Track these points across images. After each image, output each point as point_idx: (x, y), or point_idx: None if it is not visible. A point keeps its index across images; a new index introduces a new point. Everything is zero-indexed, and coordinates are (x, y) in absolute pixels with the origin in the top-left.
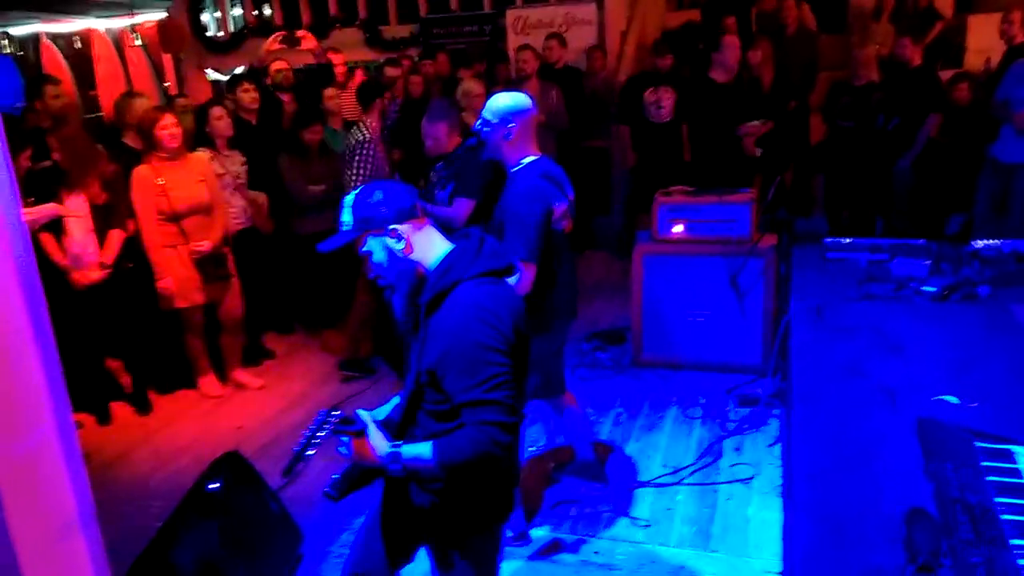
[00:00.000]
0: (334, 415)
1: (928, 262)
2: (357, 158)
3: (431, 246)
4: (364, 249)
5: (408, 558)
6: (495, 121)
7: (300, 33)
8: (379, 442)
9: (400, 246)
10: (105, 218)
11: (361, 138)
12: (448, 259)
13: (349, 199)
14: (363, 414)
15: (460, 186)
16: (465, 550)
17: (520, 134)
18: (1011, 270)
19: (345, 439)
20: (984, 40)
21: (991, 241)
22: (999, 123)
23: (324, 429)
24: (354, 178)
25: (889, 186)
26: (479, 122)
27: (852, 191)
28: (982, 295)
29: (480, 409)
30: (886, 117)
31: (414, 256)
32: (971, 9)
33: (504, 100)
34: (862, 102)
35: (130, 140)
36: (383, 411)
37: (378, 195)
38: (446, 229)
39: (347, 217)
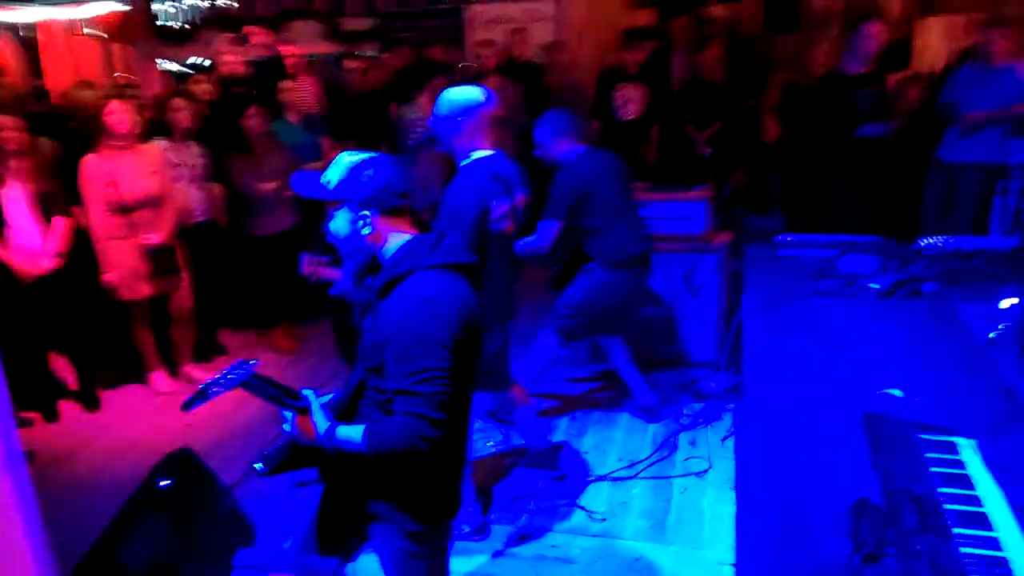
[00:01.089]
0: (250, 364)
1: (876, 259)
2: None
3: (394, 239)
4: (332, 211)
5: (353, 552)
6: (443, 115)
7: (248, 29)
8: (320, 420)
9: (366, 231)
10: (48, 206)
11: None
12: (404, 248)
13: (347, 160)
14: (308, 393)
15: (546, 207)
16: (413, 544)
17: (470, 129)
18: (956, 267)
19: (289, 414)
20: (933, 42)
21: (937, 239)
22: (945, 125)
23: (235, 373)
24: None
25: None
26: (430, 117)
27: (807, 190)
28: (928, 292)
29: (411, 399)
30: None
31: (376, 243)
32: (922, 12)
33: (454, 94)
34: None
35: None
36: (325, 398)
37: (369, 172)
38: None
39: (333, 176)
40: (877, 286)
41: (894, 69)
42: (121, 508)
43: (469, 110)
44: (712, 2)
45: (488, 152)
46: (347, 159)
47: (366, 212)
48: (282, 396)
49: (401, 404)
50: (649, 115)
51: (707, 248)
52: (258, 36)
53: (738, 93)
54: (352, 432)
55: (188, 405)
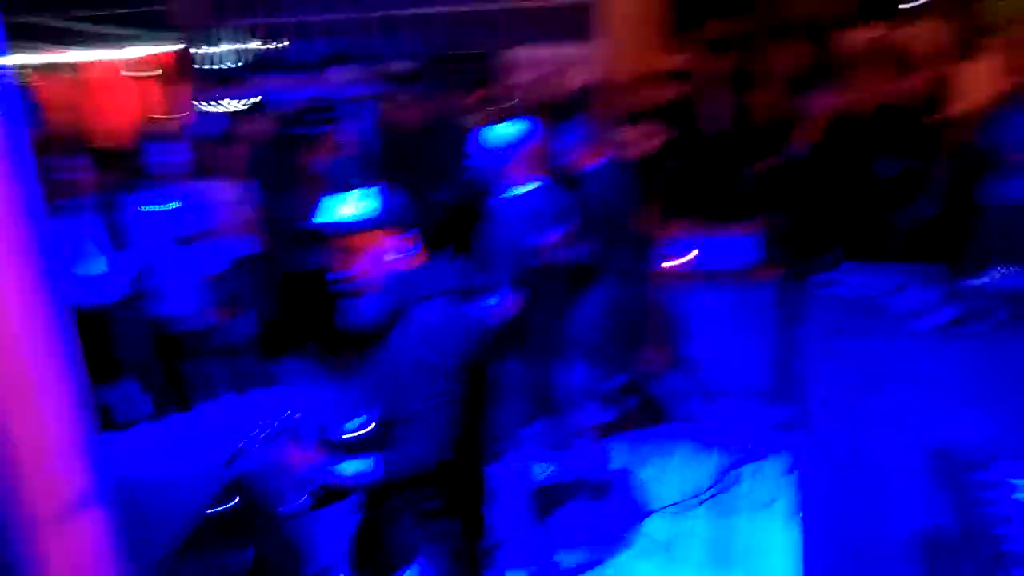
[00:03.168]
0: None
1: (936, 293)
2: None
3: (410, 266)
4: (363, 245)
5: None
6: (492, 147)
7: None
8: (318, 456)
9: (399, 257)
10: (115, 239)
11: None
12: (413, 276)
13: (366, 191)
14: (309, 424)
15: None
16: (441, 564)
17: (515, 162)
18: (1018, 304)
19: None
20: (973, 85)
21: (997, 274)
22: (991, 166)
23: (268, 435)
24: None
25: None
26: (475, 153)
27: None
28: (990, 327)
29: (416, 426)
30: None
31: (401, 269)
32: (963, 55)
33: (503, 128)
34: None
35: None
36: (354, 423)
37: (397, 198)
38: None
39: (374, 204)
40: (940, 321)
41: (937, 110)
42: (181, 535)
43: (514, 144)
44: (754, 47)
45: (533, 184)
46: (355, 194)
47: (411, 236)
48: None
49: (407, 431)
50: (667, 154)
51: (760, 281)
52: (318, 80)
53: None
54: (359, 465)
55: (229, 463)
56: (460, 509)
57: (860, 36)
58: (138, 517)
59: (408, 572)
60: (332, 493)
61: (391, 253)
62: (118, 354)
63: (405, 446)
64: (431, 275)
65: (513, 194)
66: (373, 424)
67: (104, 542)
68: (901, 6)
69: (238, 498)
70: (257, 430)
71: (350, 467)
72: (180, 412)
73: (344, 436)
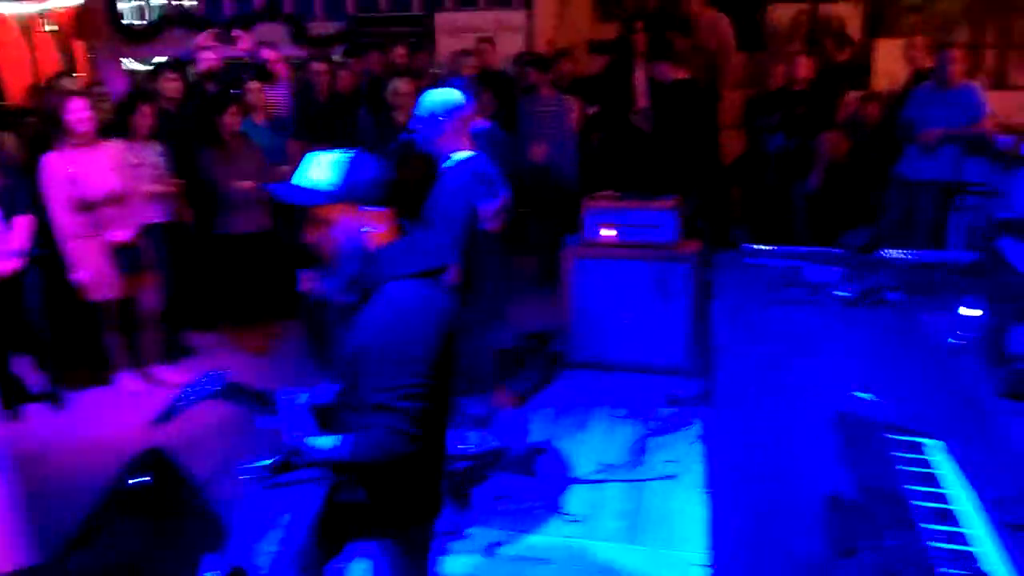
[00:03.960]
0: (221, 374)
1: (841, 269)
2: None
3: (380, 240)
4: (331, 216)
5: (340, 553)
6: (426, 116)
7: (235, 33)
8: (288, 428)
9: (367, 231)
10: (10, 205)
11: None
12: (385, 252)
13: (339, 158)
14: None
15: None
16: (397, 544)
17: (452, 130)
18: (918, 278)
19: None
20: (890, 63)
21: (900, 252)
22: (903, 143)
23: (205, 386)
24: None
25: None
26: (412, 119)
27: (766, 204)
28: (892, 300)
29: (388, 415)
30: (785, 137)
31: (371, 245)
32: (879, 33)
33: (437, 96)
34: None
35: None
36: (301, 398)
37: (374, 169)
38: None
39: (333, 177)
40: (844, 294)
41: (853, 87)
42: (90, 508)
43: (451, 111)
44: (677, 22)
45: (470, 153)
46: (329, 158)
47: (375, 210)
48: (256, 402)
49: (378, 418)
50: (593, 125)
51: (677, 256)
52: (244, 40)
53: (705, 106)
54: (325, 443)
55: (159, 420)
56: (416, 493)
57: (785, 11)
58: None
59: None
60: (291, 464)
61: (362, 226)
62: (18, 324)
63: (374, 432)
64: (403, 252)
65: (454, 161)
66: (335, 397)
67: (6, 515)
68: None
69: (151, 474)
70: (188, 390)
71: (318, 441)
72: (87, 385)
73: (307, 403)
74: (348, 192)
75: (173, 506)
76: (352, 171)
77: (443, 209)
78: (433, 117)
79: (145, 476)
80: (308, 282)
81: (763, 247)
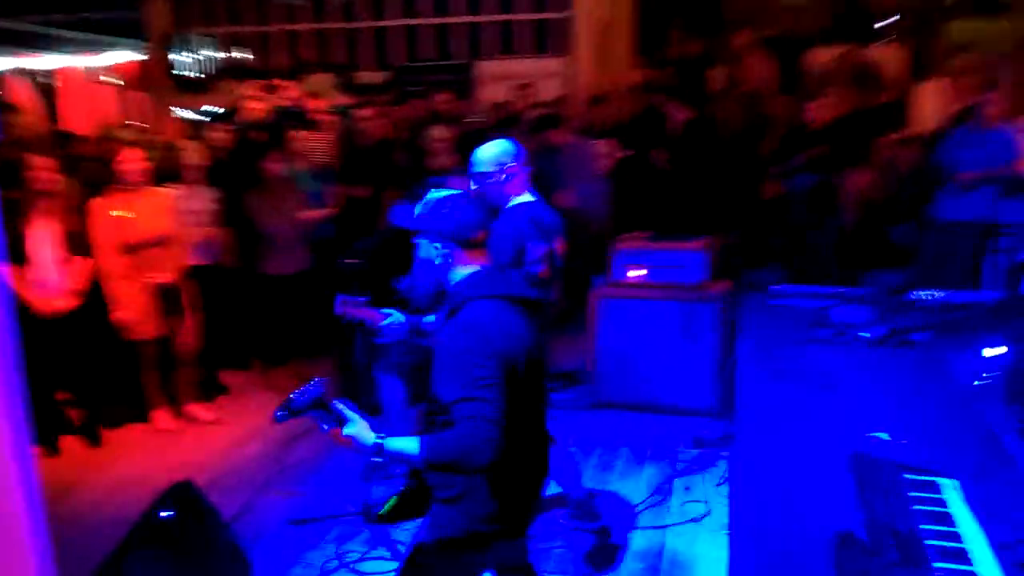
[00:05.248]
0: (320, 380)
1: (868, 309)
2: None
3: (462, 270)
4: (416, 240)
5: None
6: (483, 169)
7: (277, 82)
8: (364, 432)
9: (439, 260)
10: (74, 246)
11: None
12: (468, 279)
13: (432, 196)
14: (342, 407)
15: None
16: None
17: (511, 178)
18: (946, 319)
19: (325, 427)
20: (930, 105)
21: (927, 292)
22: (939, 184)
23: (314, 391)
24: None
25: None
26: (474, 177)
27: (792, 243)
28: (918, 341)
29: (467, 404)
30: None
31: (447, 271)
32: (923, 75)
33: (492, 148)
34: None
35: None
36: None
37: (448, 208)
38: None
39: (420, 210)
40: (869, 335)
41: (891, 129)
42: (121, 540)
43: (515, 156)
44: (716, 65)
45: (530, 198)
46: (432, 196)
47: (440, 242)
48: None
49: (458, 411)
50: (624, 170)
51: (705, 297)
52: (289, 90)
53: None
54: (406, 444)
55: (279, 419)
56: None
57: (827, 53)
58: (84, 519)
59: None
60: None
61: (439, 253)
62: (69, 362)
63: (462, 425)
64: (484, 279)
65: (513, 204)
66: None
67: (37, 547)
68: (875, 25)
69: (174, 510)
70: (299, 393)
71: (393, 444)
72: (123, 422)
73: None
74: (425, 223)
75: (198, 540)
76: (436, 208)
77: (491, 249)
78: (500, 167)
79: (171, 509)
80: (344, 306)
81: (791, 287)
